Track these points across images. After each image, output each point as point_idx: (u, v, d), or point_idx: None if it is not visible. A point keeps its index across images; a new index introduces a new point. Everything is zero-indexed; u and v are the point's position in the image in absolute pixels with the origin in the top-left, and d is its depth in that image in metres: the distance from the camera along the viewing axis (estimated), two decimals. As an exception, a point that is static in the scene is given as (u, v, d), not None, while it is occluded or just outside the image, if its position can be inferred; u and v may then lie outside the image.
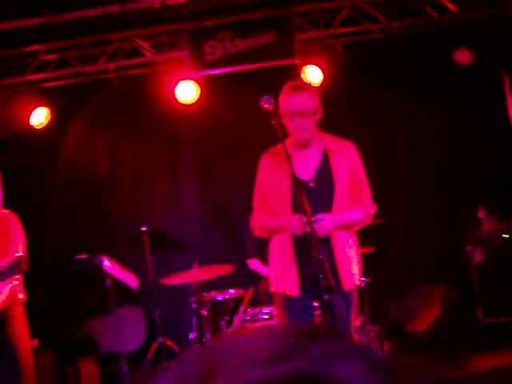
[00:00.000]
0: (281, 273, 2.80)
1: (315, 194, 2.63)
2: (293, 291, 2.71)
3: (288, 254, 2.75)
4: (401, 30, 5.72)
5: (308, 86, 3.06)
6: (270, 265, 2.96)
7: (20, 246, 3.04)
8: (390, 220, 5.05)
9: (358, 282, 2.77)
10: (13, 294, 2.92)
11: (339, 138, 2.96)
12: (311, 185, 2.64)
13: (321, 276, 2.02)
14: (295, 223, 2.59)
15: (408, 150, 5.95)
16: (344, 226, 2.73)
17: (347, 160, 2.83)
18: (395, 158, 5.99)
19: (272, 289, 2.91)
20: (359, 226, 2.93)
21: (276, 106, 2.57)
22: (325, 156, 2.80)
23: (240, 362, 0.42)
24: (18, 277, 2.91)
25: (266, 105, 2.58)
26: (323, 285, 2.03)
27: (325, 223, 2.56)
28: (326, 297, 2.07)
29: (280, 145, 2.78)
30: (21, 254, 2.68)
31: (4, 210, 3.24)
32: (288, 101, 2.77)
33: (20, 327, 3.04)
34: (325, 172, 2.74)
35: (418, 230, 5.72)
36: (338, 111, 5.75)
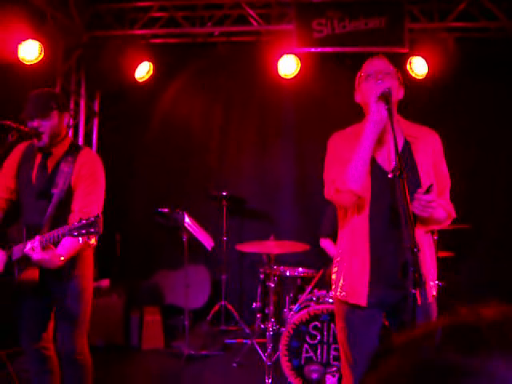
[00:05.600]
0: (346, 272, 2.44)
1: (395, 186, 2.32)
2: (360, 299, 2.37)
3: (360, 247, 2.38)
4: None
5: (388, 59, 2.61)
6: (335, 258, 2.58)
7: (101, 190, 3.04)
8: (476, 227, 4.86)
9: (435, 293, 2.43)
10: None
11: (420, 125, 2.60)
12: (390, 175, 2.27)
13: (411, 269, 1.93)
14: (378, 110, 2.27)
15: (507, 157, 5.68)
16: (425, 221, 2.37)
17: (430, 148, 2.48)
18: (492, 164, 5.73)
19: (334, 293, 2.53)
20: (435, 226, 2.57)
21: (390, 93, 2.41)
22: (406, 144, 2.47)
23: None
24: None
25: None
26: (413, 278, 1.92)
27: (434, 201, 2.16)
28: (413, 290, 1.94)
29: (352, 127, 2.58)
30: (99, 216, 2.55)
31: (90, 151, 3.20)
32: (367, 63, 2.51)
33: (87, 269, 3.09)
34: (407, 161, 2.37)
35: (504, 244, 5.47)
36: (438, 108, 5.58)
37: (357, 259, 2.42)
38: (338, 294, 2.49)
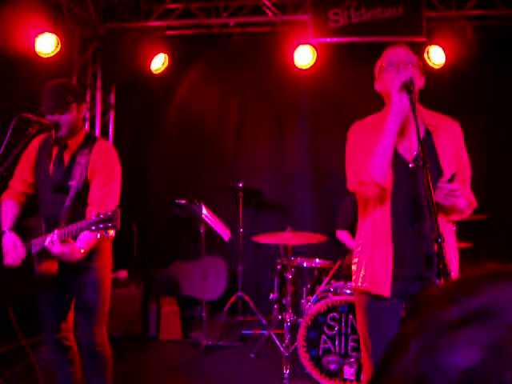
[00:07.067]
0: (368, 263, 2.43)
1: (416, 176, 2.33)
2: (383, 290, 2.35)
3: (382, 238, 2.37)
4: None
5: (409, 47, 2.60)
6: (355, 249, 2.56)
7: (117, 181, 3.05)
8: (493, 217, 4.80)
9: None
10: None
11: (441, 114, 2.57)
12: (411, 165, 2.34)
13: (436, 259, 1.92)
14: (400, 100, 2.27)
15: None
16: (447, 210, 2.37)
17: (452, 137, 2.45)
18: (510, 153, 5.65)
19: (354, 284, 2.52)
20: (457, 216, 2.53)
21: (413, 82, 2.39)
22: (427, 133, 2.44)
23: None
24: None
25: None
26: (437, 269, 1.90)
27: (457, 189, 2.15)
28: (437, 281, 1.92)
29: (372, 116, 2.58)
30: (116, 210, 2.53)
31: (105, 143, 3.22)
32: (388, 52, 2.48)
33: (104, 261, 3.11)
34: (429, 151, 2.33)
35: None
36: (456, 97, 5.51)
37: (379, 250, 2.40)
38: (360, 284, 2.47)
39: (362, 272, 2.47)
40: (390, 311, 2.40)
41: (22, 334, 3.06)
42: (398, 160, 2.39)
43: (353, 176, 2.45)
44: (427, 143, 2.40)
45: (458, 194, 2.18)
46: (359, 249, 2.53)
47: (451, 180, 2.16)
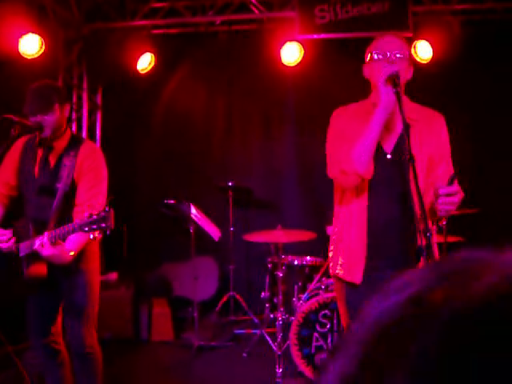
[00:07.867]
0: (344, 251, 2.44)
1: (394, 168, 2.35)
2: (355, 277, 2.38)
3: (358, 229, 2.39)
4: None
5: (402, 36, 2.55)
6: (331, 236, 2.57)
7: (104, 183, 3.03)
8: (484, 211, 4.79)
9: None
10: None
11: (425, 107, 2.54)
12: (389, 157, 2.34)
13: (424, 253, 1.90)
14: (387, 93, 2.25)
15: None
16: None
17: (433, 131, 2.43)
18: (497, 148, 5.64)
19: (332, 271, 2.53)
20: (451, 213, 2.43)
21: (398, 76, 2.36)
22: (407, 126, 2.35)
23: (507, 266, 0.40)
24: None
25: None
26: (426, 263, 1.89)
27: (459, 191, 2.17)
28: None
29: (356, 103, 2.54)
30: (110, 211, 2.50)
31: (91, 144, 3.19)
32: (378, 41, 2.42)
33: (93, 263, 3.09)
34: (405, 144, 2.27)
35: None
36: (443, 93, 5.51)
37: (355, 240, 2.41)
38: (338, 272, 2.47)
39: (340, 260, 2.47)
40: (365, 298, 2.38)
41: (6, 341, 3.01)
42: (378, 151, 2.38)
43: (334, 164, 2.43)
44: (405, 138, 2.37)
45: (459, 196, 2.19)
46: (334, 237, 2.54)
47: (451, 182, 2.15)
